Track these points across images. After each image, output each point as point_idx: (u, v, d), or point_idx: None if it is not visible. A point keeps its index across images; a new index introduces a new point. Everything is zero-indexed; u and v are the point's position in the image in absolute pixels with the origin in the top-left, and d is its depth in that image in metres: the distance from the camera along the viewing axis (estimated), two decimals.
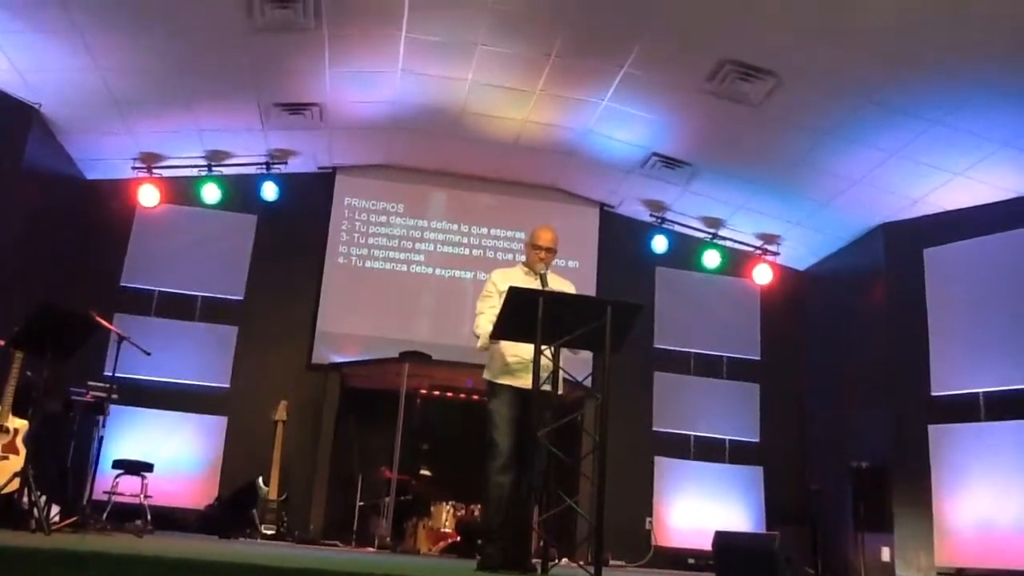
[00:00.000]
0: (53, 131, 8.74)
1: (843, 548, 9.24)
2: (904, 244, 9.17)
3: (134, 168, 9.74)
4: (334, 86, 8.60)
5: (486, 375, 4.85)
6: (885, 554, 8.65)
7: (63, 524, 5.44)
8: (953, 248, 8.74)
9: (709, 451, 10.37)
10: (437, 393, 9.82)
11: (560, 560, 4.61)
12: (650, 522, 9.91)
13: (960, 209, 8.69)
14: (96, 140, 9.19)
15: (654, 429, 10.31)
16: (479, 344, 4.82)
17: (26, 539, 3.44)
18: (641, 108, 8.60)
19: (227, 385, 9.68)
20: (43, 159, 8.72)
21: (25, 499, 4.95)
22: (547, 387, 4.25)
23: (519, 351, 4.57)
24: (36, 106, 8.27)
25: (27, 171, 8.29)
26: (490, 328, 4.55)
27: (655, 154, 9.35)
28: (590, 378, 5.07)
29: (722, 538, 7.48)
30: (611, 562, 8.78)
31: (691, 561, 9.55)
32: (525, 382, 4.48)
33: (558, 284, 4.85)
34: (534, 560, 4.18)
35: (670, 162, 9.42)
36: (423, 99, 8.96)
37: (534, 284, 4.74)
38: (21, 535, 4.16)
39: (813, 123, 8.10)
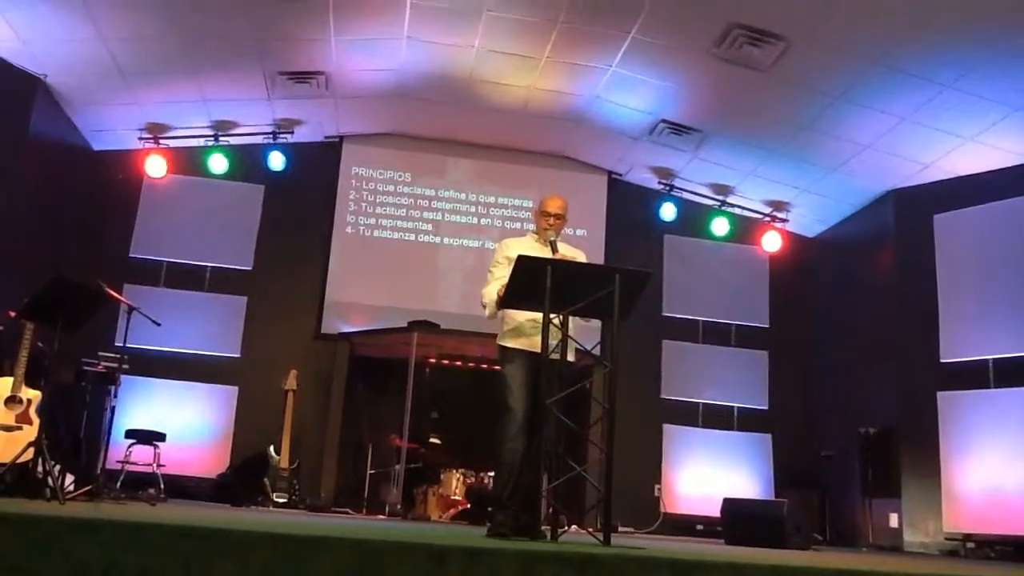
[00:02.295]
0: (59, 102, 8.73)
1: (851, 514, 9.29)
2: (914, 210, 9.12)
3: (141, 139, 9.74)
4: (340, 54, 8.54)
5: (500, 340, 4.84)
6: (893, 520, 8.69)
7: (77, 493, 5.49)
8: (963, 214, 8.68)
9: (717, 418, 10.41)
10: (446, 362, 9.85)
11: (569, 527, 4.62)
12: (659, 489, 9.97)
13: (971, 175, 8.63)
14: (102, 111, 9.18)
15: (662, 397, 10.35)
16: (487, 313, 4.82)
17: (41, 507, 3.47)
18: (649, 74, 8.53)
19: (237, 355, 9.73)
20: (49, 130, 8.71)
21: (39, 468, 4.99)
22: (556, 355, 4.25)
23: (534, 314, 4.54)
24: (41, 76, 8.25)
25: (33, 142, 8.29)
26: (496, 296, 4.55)
27: (663, 121, 9.29)
28: (599, 346, 5.06)
29: (730, 505, 7.53)
30: (620, 529, 8.84)
31: (700, 527, 9.63)
32: (539, 346, 4.47)
33: (569, 252, 4.82)
34: (543, 527, 4.20)
35: (678, 129, 9.36)
36: (429, 67, 8.90)
37: (544, 252, 4.72)
38: (36, 504, 4.20)
39: (823, 88, 8.03)
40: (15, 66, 8.02)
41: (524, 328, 4.68)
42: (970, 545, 7.94)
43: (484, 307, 4.83)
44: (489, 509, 7.08)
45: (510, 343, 4.75)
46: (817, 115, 8.46)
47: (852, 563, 3.23)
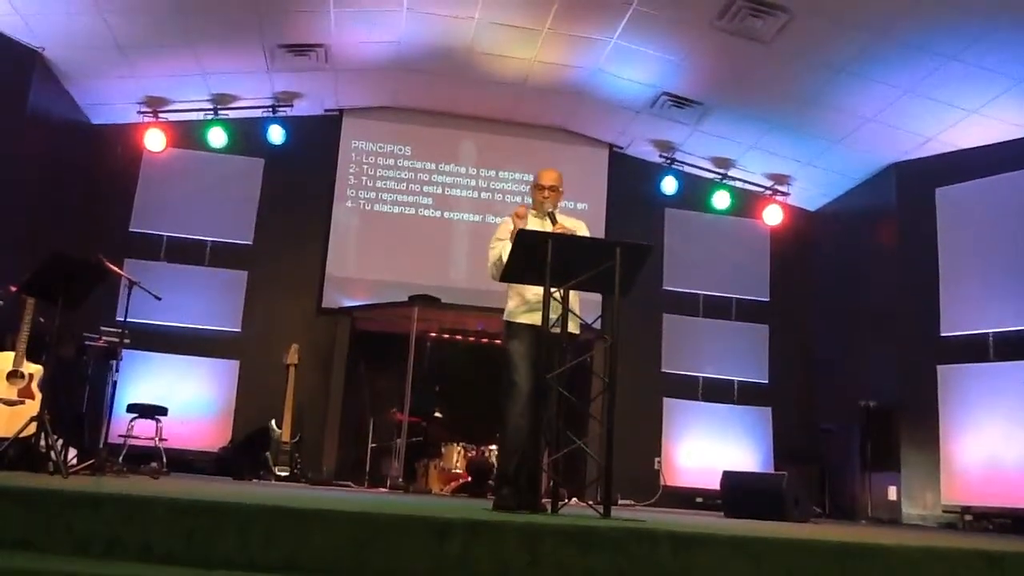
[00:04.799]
0: (57, 75, 8.67)
1: (851, 487, 9.33)
2: (916, 183, 9.09)
3: (140, 112, 9.69)
4: (339, 26, 8.48)
5: (505, 316, 4.84)
6: (892, 493, 8.74)
7: (80, 467, 5.52)
8: (965, 187, 8.65)
9: (718, 392, 10.43)
10: (447, 336, 9.87)
11: (569, 500, 4.64)
12: (659, 462, 10.01)
13: (973, 148, 8.59)
14: (101, 84, 9.12)
15: (663, 371, 10.37)
16: (490, 271, 4.80)
17: (44, 482, 3.49)
18: (651, 46, 8.46)
19: (238, 329, 9.74)
20: (48, 104, 8.66)
21: (42, 443, 5.01)
22: (556, 329, 4.25)
23: (539, 290, 4.52)
24: (39, 50, 8.19)
25: (32, 116, 8.24)
26: (502, 253, 4.54)
27: (665, 93, 9.24)
28: (599, 320, 5.06)
29: (730, 478, 7.57)
30: (620, 501, 8.89)
31: (699, 500, 9.68)
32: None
33: (569, 224, 4.79)
34: (544, 500, 4.22)
35: (680, 101, 9.30)
36: (429, 39, 8.83)
37: (545, 226, 4.71)
38: (39, 478, 4.22)
39: (825, 60, 7.97)
40: (12, 39, 7.96)
41: (531, 304, 4.67)
42: (968, 518, 7.98)
43: (489, 268, 4.84)
44: (491, 483, 7.11)
45: (515, 319, 4.75)
46: (819, 88, 8.40)
47: (851, 535, 3.25)
